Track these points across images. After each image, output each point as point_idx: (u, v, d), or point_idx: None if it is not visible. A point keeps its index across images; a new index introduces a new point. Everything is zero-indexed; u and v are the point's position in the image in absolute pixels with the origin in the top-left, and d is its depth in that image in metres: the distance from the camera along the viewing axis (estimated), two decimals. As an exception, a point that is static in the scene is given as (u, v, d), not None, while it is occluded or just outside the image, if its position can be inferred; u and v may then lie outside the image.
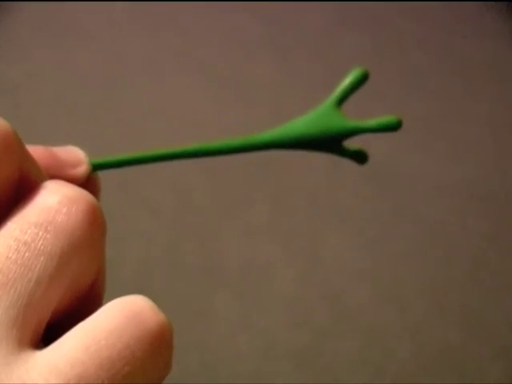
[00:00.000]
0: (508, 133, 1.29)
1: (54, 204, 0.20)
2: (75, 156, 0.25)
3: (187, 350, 0.96)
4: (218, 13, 1.47)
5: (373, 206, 1.15)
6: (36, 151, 0.24)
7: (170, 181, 1.16)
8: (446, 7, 1.51)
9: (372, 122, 0.27)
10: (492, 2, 1.49)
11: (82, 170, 0.25)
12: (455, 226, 1.13)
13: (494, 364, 0.97)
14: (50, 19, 1.42)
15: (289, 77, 1.35)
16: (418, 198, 1.17)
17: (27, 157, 0.21)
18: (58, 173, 0.24)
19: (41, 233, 0.20)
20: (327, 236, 1.11)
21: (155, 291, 1.01)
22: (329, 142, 0.27)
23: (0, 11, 1.41)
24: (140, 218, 1.11)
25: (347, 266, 1.07)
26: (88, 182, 0.25)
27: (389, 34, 1.45)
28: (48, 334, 0.20)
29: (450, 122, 1.30)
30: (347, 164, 1.21)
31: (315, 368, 0.96)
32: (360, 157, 0.28)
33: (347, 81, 0.28)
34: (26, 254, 0.19)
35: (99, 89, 1.30)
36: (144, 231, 1.09)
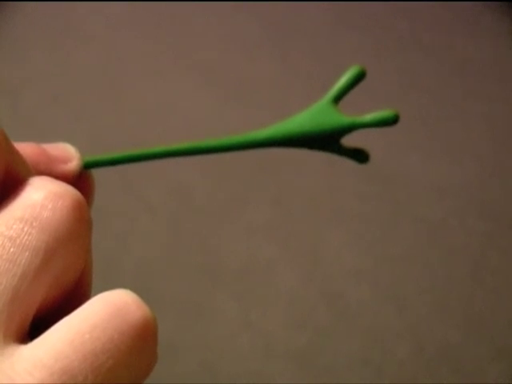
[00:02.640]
0: (508, 133, 1.29)
1: (39, 200, 0.20)
2: (66, 152, 0.25)
3: (187, 350, 0.96)
4: (218, 13, 1.47)
5: (373, 206, 1.15)
6: (26, 148, 0.24)
7: (169, 181, 1.16)
8: (446, 7, 1.51)
9: (369, 117, 0.27)
10: (492, 2, 1.49)
11: (73, 165, 0.25)
12: (455, 226, 1.13)
13: (494, 364, 0.97)
14: (50, 19, 1.42)
15: (289, 77, 1.35)
16: (417, 198, 1.17)
17: (14, 154, 0.22)
18: (49, 169, 0.24)
19: (26, 228, 0.20)
20: (327, 236, 1.11)
21: (155, 291, 1.01)
22: (326, 140, 0.27)
23: (0, 11, 1.41)
24: (140, 217, 1.11)
25: (347, 265, 1.07)
26: (81, 180, 0.26)
27: (388, 34, 1.45)
28: (35, 329, 0.20)
29: (449, 121, 1.30)
30: (347, 164, 1.21)
31: (315, 368, 0.96)
32: (360, 155, 0.28)
33: (344, 78, 0.28)
34: (12, 249, 0.19)
35: (99, 89, 1.30)
36: (144, 231, 1.09)
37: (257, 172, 1.18)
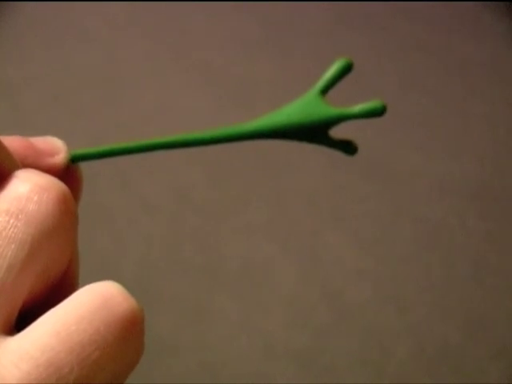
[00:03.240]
0: (508, 132, 1.29)
1: (25, 192, 0.20)
2: (53, 145, 0.25)
3: (187, 350, 0.96)
4: (218, 13, 1.47)
5: (373, 206, 1.15)
6: (13, 141, 0.24)
7: (169, 180, 1.16)
8: (446, 7, 1.51)
9: (356, 108, 0.27)
10: (492, 2, 1.49)
11: (60, 158, 0.25)
12: (455, 226, 1.13)
13: (494, 364, 0.97)
14: (50, 19, 1.42)
15: (289, 77, 1.35)
16: (417, 198, 1.17)
17: None
18: (36, 162, 0.24)
19: (12, 221, 0.20)
20: (327, 236, 1.11)
21: (155, 291, 1.01)
22: (314, 131, 0.27)
23: (0, 11, 1.41)
24: (140, 218, 1.11)
25: (347, 265, 1.07)
26: (68, 173, 0.25)
27: (388, 34, 1.45)
28: (21, 321, 0.20)
29: (449, 121, 1.30)
30: (347, 164, 1.21)
31: (315, 368, 0.96)
32: (348, 147, 0.28)
33: (331, 71, 0.28)
34: None
35: (99, 89, 1.30)
36: (144, 231, 1.09)
37: (257, 172, 1.18)
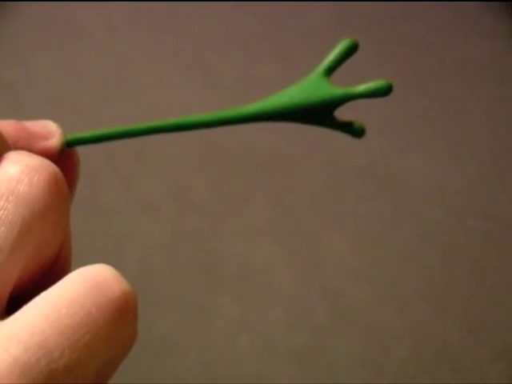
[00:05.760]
0: (507, 133, 1.29)
1: (15, 174, 0.20)
2: (47, 128, 0.25)
3: (187, 350, 0.96)
4: (218, 13, 1.47)
5: (373, 206, 1.15)
6: (5, 125, 0.24)
7: (169, 181, 1.16)
8: (446, 7, 1.51)
9: (361, 87, 0.26)
10: (492, 2, 1.49)
11: (54, 141, 0.25)
12: (455, 226, 1.13)
13: (494, 364, 0.97)
14: (50, 19, 1.42)
15: (289, 77, 1.35)
16: (417, 198, 1.17)
17: None
18: (29, 145, 0.24)
19: (2, 203, 0.20)
20: (327, 236, 1.11)
21: (155, 291, 1.01)
22: (318, 112, 0.26)
23: (0, 11, 1.41)
24: (140, 217, 1.11)
25: (347, 265, 1.07)
26: (64, 157, 0.25)
27: (389, 34, 1.45)
28: (13, 305, 0.20)
29: (449, 121, 1.30)
30: (347, 164, 1.20)
31: (315, 368, 0.96)
32: (354, 129, 0.27)
33: (335, 51, 0.27)
34: None
35: (99, 89, 1.30)
36: (144, 231, 1.09)
37: (257, 172, 1.18)
